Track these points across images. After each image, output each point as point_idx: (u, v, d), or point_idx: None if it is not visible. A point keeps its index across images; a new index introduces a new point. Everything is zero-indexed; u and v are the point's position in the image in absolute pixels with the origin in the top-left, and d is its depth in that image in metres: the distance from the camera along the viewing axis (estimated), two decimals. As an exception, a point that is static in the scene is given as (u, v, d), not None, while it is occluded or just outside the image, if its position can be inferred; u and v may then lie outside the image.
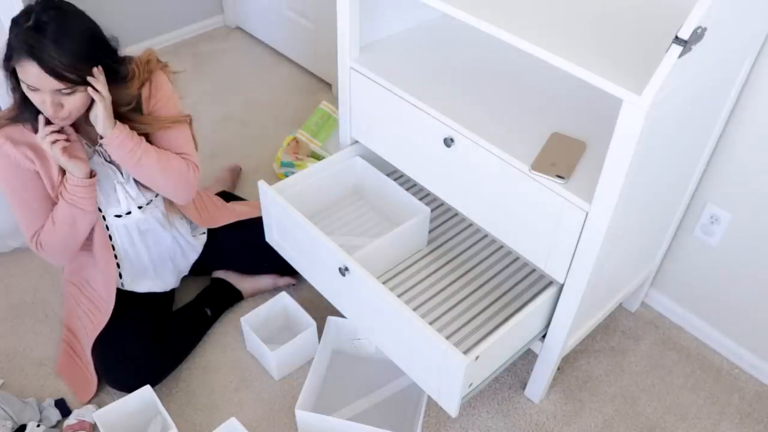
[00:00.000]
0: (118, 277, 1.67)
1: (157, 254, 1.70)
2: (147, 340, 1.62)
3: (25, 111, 1.37)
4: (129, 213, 1.58)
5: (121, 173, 1.54)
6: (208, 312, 1.79)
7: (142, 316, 1.62)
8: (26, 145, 1.41)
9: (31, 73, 1.24)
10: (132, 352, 1.60)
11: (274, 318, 1.79)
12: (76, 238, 1.50)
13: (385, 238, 1.59)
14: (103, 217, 1.57)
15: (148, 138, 1.49)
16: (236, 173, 2.28)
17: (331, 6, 2.37)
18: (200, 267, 1.83)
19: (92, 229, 1.55)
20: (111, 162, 1.52)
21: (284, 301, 1.77)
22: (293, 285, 1.92)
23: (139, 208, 1.59)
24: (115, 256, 1.64)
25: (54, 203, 1.47)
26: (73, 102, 1.32)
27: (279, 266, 1.84)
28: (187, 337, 1.73)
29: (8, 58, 1.27)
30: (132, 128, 1.44)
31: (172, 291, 1.81)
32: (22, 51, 1.23)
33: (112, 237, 1.61)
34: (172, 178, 1.51)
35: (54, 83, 1.26)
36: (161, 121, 1.49)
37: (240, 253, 1.84)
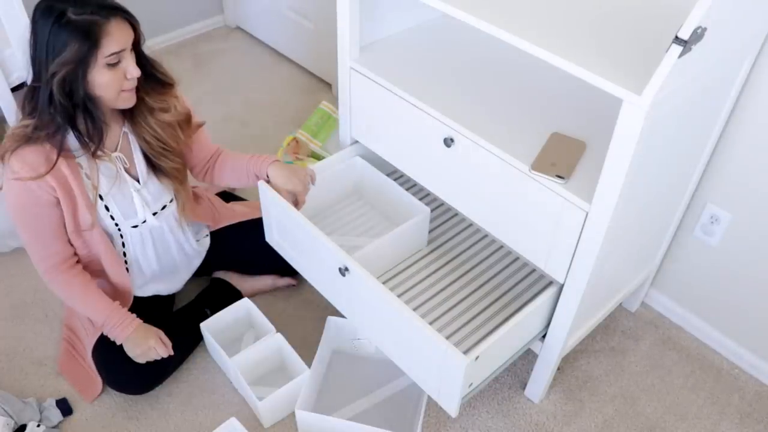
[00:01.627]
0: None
1: (166, 261, 1.69)
2: None
3: (58, 124, 1.31)
4: (144, 221, 1.56)
5: (138, 180, 1.52)
6: (208, 312, 1.78)
7: (144, 317, 1.61)
8: (47, 172, 1.33)
9: (119, 35, 1.25)
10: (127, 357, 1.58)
11: (267, 359, 1.69)
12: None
13: (385, 238, 1.59)
14: (119, 230, 1.53)
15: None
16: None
17: (331, 6, 2.36)
18: (200, 267, 1.83)
19: (93, 245, 1.52)
20: (126, 170, 1.49)
21: (279, 343, 1.66)
22: (293, 285, 1.92)
23: (154, 214, 1.56)
24: (126, 267, 1.61)
25: (65, 229, 1.45)
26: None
27: (279, 267, 1.84)
28: (187, 338, 1.73)
29: (93, 40, 1.22)
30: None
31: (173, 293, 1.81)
32: (105, 14, 1.23)
33: (126, 247, 1.58)
34: None
35: (131, 35, 1.29)
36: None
37: (240, 253, 1.84)
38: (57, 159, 1.33)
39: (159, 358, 1.54)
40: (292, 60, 2.88)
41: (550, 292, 1.44)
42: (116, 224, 1.52)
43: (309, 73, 2.83)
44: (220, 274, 1.87)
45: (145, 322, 1.61)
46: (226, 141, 2.46)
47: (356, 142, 1.79)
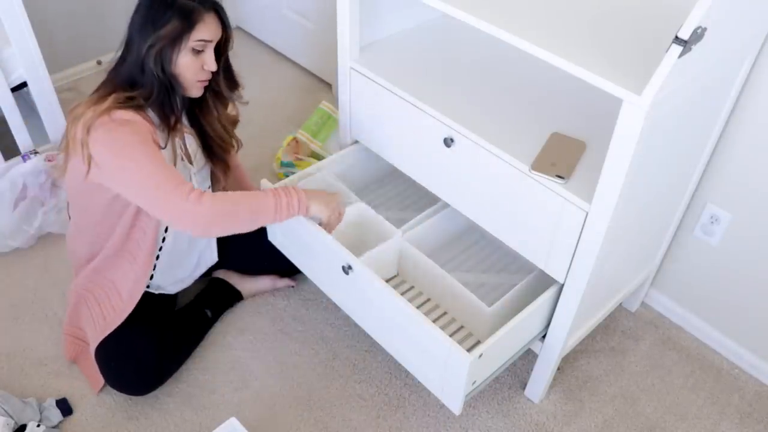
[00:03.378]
0: (149, 279, 1.64)
1: (194, 249, 1.71)
2: (151, 343, 1.61)
3: (152, 93, 1.39)
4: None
5: (192, 162, 1.56)
6: (209, 313, 1.78)
7: (148, 317, 1.61)
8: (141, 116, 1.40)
9: (211, 27, 1.38)
10: (136, 354, 1.59)
11: None
12: (240, 226, 1.45)
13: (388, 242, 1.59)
14: None
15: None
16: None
17: (331, 6, 2.36)
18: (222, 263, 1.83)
19: (141, 231, 1.52)
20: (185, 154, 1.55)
21: None
22: (292, 286, 1.92)
23: None
24: (157, 257, 1.61)
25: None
26: None
27: (279, 268, 1.84)
28: (188, 340, 1.73)
29: (190, 22, 1.34)
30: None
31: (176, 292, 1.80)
32: (206, 6, 1.37)
33: (167, 232, 1.59)
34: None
35: (220, 33, 1.42)
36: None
37: (240, 253, 1.84)
38: (152, 125, 1.41)
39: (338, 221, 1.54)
40: (292, 60, 2.88)
41: (550, 292, 1.44)
42: None
43: (309, 73, 2.82)
44: (220, 274, 1.87)
45: (146, 321, 1.61)
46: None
47: (356, 142, 1.79)
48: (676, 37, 0.95)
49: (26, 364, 1.73)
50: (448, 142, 1.44)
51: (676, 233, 1.73)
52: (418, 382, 1.65)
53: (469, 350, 1.29)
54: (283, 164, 2.22)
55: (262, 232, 1.77)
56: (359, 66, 1.58)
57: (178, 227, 1.42)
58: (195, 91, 1.46)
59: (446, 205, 1.65)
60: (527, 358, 1.76)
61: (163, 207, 1.37)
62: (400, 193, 1.91)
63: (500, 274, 1.70)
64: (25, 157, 2.03)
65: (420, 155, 1.56)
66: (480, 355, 1.29)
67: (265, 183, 1.64)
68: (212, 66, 1.42)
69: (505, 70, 1.57)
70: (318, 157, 2.19)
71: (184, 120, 1.56)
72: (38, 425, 1.54)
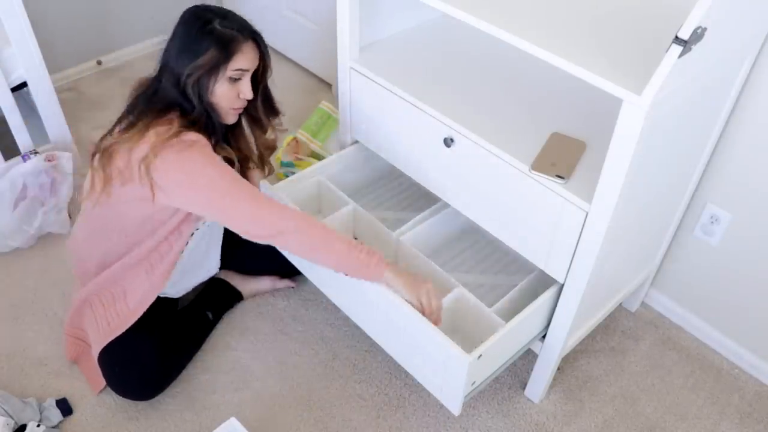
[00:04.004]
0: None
1: (205, 260, 1.71)
2: (154, 349, 1.60)
3: (204, 118, 1.40)
4: None
5: None
6: (210, 315, 1.77)
7: (151, 321, 1.60)
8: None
9: (249, 56, 1.39)
10: (140, 360, 1.58)
11: None
12: (301, 256, 1.46)
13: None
14: (202, 222, 1.57)
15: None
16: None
17: (331, 6, 2.36)
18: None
19: (169, 245, 1.52)
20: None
21: None
22: (292, 287, 1.92)
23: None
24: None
25: None
26: None
27: (279, 268, 1.84)
28: (189, 344, 1.72)
29: (228, 52, 1.34)
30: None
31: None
32: (245, 35, 1.38)
33: (188, 244, 1.57)
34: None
35: (257, 61, 1.43)
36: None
37: (241, 254, 1.83)
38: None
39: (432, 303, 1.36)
40: (292, 60, 2.88)
41: (550, 292, 1.44)
42: (204, 221, 1.57)
43: (309, 73, 2.82)
44: (221, 274, 1.87)
45: (149, 325, 1.59)
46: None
47: (356, 142, 1.79)
48: (676, 37, 0.95)
49: (26, 364, 1.73)
50: (448, 142, 1.44)
51: (676, 233, 1.73)
52: (418, 382, 1.65)
53: (468, 351, 1.29)
54: (283, 164, 2.22)
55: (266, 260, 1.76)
56: (359, 66, 1.58)
57: (252, 238, 1.40)
58: (230, 118, 1.48)
59: (446, 206, 1.65)
60: (527, 358, 1.76)
61: (251, 222, 1.38)
62: (399, 193, 1.91)
63: (498, 275, 1.70)
64: (25, 157, 2.03)
65: (420, 155, 1.56)
66: (479, 356, 1.29)
67: (263, 183, 1.64)
68: (248, 95, 1.43)
69: (505, 70, 1.57)
70: (318, 157, 2.19)
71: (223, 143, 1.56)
72: (38, 425, 1.54)
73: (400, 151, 1.62)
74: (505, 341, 1.39)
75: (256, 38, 1.41)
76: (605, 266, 1.37)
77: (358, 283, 1.47)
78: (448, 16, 1.28)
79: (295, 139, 2.23)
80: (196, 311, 1.78)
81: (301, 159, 2.20)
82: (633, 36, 1.20)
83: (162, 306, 1.69)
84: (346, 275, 1.40)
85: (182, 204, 1.41)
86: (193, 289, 1.81)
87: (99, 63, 2.70)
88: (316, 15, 2.58)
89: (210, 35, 1.34)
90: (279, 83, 2.76)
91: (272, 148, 1.70)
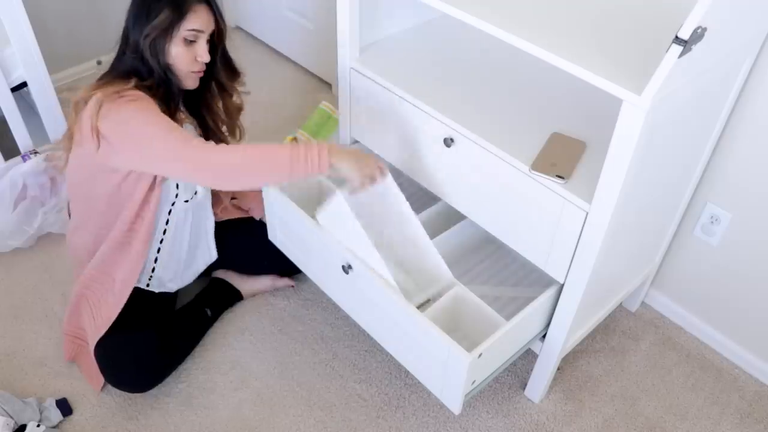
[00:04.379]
0: (148, 278, 1.65)
1: (194, 243, 1.71)
2: (151, 340, 1.61)
3: (162, 83, 1.44)
4: (195, 194, 1.60)
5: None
6: (208, 312, 1.78)
7: (148, 315, 1.61)
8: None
9: (202, 17, 1.41)
10: (135, 352, 1.59)
11: None
12: (255, 177, 1.41)
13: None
14: (173, 201, 1.57)
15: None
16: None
17: (331, 6, 2.36)
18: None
19: (140, 220, 1.52)
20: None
21: None
22: (291, 287, 1.92)
23: (186, 201, 1.60)
24: (158, 250, 1.62)
25: None
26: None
27: (279, 267, 1.84)
28: (187, 338, 1.73)
29: (181, 12, 1.37)
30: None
31: (176, 291, 1.80)
32: None
33: (168, 224, 1.60)
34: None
35: (212, 25, 1.44)
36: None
37: (240, 252, 1.84)
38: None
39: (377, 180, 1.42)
40: (292, 60, 2.88)
41: (550, 292, 1.44)
42: (176, 194, 1.56)
43: (309, 73, 2.83)
44: (220, 274, 1.87)
45: (148, 321, 1.61)
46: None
47: (356, 142, 1.79)
48: (676, 37, 0.95)
49: (26, 364, 1.73)
50: (448, 142, 1.44)
51: (676, 233, 1.73)
52: (418, 382, 1.65)
53: (468, 350, 1.29)
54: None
55: (262, 231, 1.77)
56: (359, 66, 1.58)
57: (195, 179, 1.46)
58: (190, 82, 1.49)
59: (462, 217, 1.62)
60: (527, 358, 1.76)
61: (177, 160, 1.37)
62: (400, 193, 1.91)
63: (516, 287, 1.68)
64: (25, 157, 2.03)
65: (420, 155, 1.56)
66: (479, 355, 1.29)
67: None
68: (204, 57, 1.44)
69: (505, 70, 1.57)
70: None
71: (183, 109, 1.58)
72: (38, 425, 1.54)
73: (400, 151, 1.62)
74: (505, 340, 1.39)
75: (209, 3, 1.43)
76: (605, 266, 1.37)
77: (358, 283, 1.47)
78: (448, 16, 1.28)
79: (294, 139, 2.23)
80: (194, 308, 1.78)
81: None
82: (633, 36, 1.20)
83: (160, 302, 1.70)
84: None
85: (122, 157, 1.41)
86: (192, 287, 1.81)
87: (99, 63, 2.70)
88: (316, 15, 2.58)
89: None
90: (279, 83, 2.78)
91: (239, 109, 1.71)
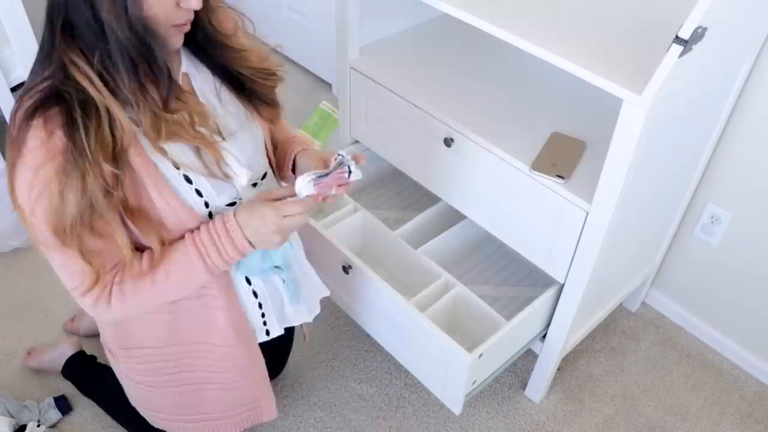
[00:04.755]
0: (262, 324, 1.21)
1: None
2: None
3: (149, 61, 0.91)
4: (255, 184, 1.12)
5: (223, 136, 1.05)
6: None
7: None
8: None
9: None
10: None
11: None
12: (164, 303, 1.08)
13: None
14: (209, 212, 1.04)
15: None
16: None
17: (331, 6, 2.36)
18: None
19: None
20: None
21: None
22: None
23: (254, 185, 1.11)
24: (255, 294, 1.17)
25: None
26: None
27: None
28: None
29: None
30: None
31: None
32: None
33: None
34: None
35: None
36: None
37: None
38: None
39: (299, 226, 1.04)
40: (292, 60, 2.88)
41: (550, 292, 1.44)
42: (206, 203, 1.03)
43: (309, 73, 2.83)
44: None
45: None
46: (226, 141, 2.46)
47: (356, 141, 1.79)
48: (677, 36, 0.95)
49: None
50: (448, 142, 1.44)
51: (676, 233, 1.73)
52: (418, 382, 1.65)
53: (468, 350, 1.29)
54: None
55: None
56: (359, 66, 1.58)
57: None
58: (174, 40, 0.95)
59: (463, 217, 1.62)
60: (527, 358, 1.76)
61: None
62: (400, 193, 1.91)
63: (517, 287, 1.68)
64: (25, 157, 2.03)
65: (420, 155, 1.56)
66: (480, 355, 1.29)
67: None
68: (194, 3, 0.91)
69: (505, 70, 1.57)
70: (318, 157, 2.19)
71: (194, 76, 1.06)
72: (38, 425, 1.54)
73: (400, 151, 1.62)
74: (505, 340, 1.39)
75: None
76: (605, 266, 1.37)
77: (358, 283, 1.47)
78: (448, 16, 1.28)
79: (295, 139, 2.23)
80: None
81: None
82: (633, 36, 1.20)
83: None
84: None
85: None
86: None
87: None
88: (316, 15, 2.58)
89: None
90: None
91: (265, 59, 1.20)
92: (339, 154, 1.07)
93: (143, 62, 0.90)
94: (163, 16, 0.90)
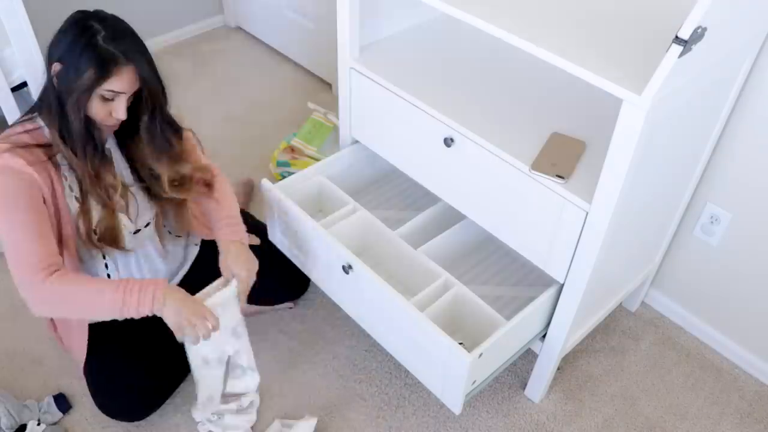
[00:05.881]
0: None
1: (151, 275, 1.58)
2: (140, 365, 1.52)
3: (83, 138, 1.30)
4: (137, 231, 1.47)
5: (130, 217, 1.43)
6: None
7: (134, 338, 1.50)
8: (37, 163, 1.29)
9: (125, 79, 1.27)
10: (124, 380, 1.51)
11: None
12: (75, 316, 1.43)
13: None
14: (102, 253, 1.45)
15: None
16: (249, 187, 2.19)
17: (331, 6, 2.37)
18: (195, 282, 1.57)
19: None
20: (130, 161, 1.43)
21: None
22: (290, 308, 1.89)
23: (136, 232, 1.47)
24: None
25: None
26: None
27: (280, 300, 1.82)
28: (182, 361, 1.54)
29: (104, 73, 1.24)
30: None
31: None
32: (120, 58, 1.25)
33: (109, 269, 1.49)
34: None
35: (137, 85, 1.30)
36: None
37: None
38: (49, 158, 1.32)
39: (203, 335, 1.33)
40: (292, 60, 2.88)
41: (550, 292, 1.44)
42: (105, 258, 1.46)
43: (309, 73, 2.83)
44: None
45: (136, 345, 1.52)
46: (226, 141, 2.46)
47: (356, 142, 1.79)
48: (676, 36, 0.95)
49: (26, 363, 1.73)
50: (448, 142, 1.44)
51: (676, 233, 1.73)
52: (418, 382, 1.66)
53: (468, 350, 1.29)
54: (278, 164, 2.22)
55: (268, 267, 1.69)
56: (359, 66, 1.58)
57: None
58: (106, 131, 1.39)
59: (462, 217, 1.62)
60: (527, 358, 1.76)
61: (12, 272, 1.32)
62: (400, 193, 1.91)
63: (516, 287, 1.68)
64: (25, 157, 2.02)
65: (420, 155, 1.56)
66: (480, 355, 1.29)
67: (265, 182, 1.64)
68: (121, 115, 1.30)
69: (506, 70, 1.57)
70: (315, 159, 2.19)
71: (114, 151, 1.44)
72: (38, 424, 1.54)
73: (400, 151, 1.62)
74: (505, 340, 1.39)
75: (139, 65, 1.28)
76: (605, 266, 1.37)
77: (358, 283, 1.47)
78: (448, 16, 1.28)
79: (290, 146, 2.23)
80: None
81: (296, 158, 2.20)
82: (633, 36, 1.20)
83: (153, 323, 1.53)
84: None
85: None
86: None
87: (99, 63, 2.70)
88: (316, 15, 2.58)
89: (92, 51, 1.24)
90: (279, 83, 2.78)
91: (201, 169, 1.51)
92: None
93: (85, 138, 1.31)
94: (100, 119, 1.31)
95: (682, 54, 0.96)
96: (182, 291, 1.33)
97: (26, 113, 1.37)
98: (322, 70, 2.75)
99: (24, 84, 2.04)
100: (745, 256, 1.64)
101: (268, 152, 2.38)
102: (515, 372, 1.75)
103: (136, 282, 1.30)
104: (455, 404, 1.37)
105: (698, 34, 0.96)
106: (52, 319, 1.65)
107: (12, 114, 2.02)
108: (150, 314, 1.31)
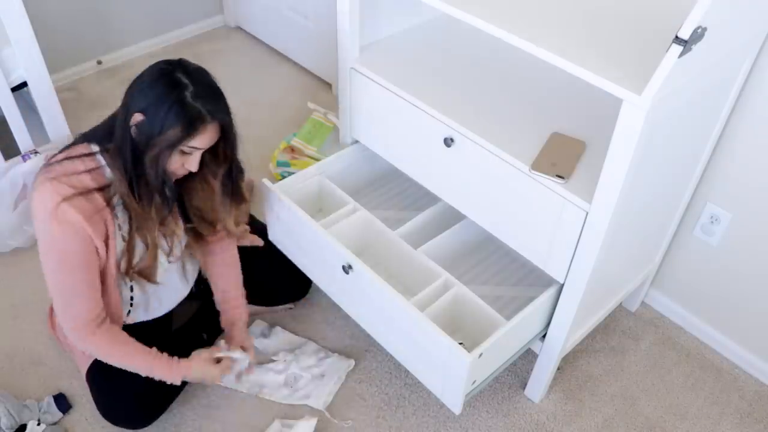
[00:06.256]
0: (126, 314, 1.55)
1: (169, 294, 1.60)
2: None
3: (157, 190, 1.33)
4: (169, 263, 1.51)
5: (170, 255, 1.48)
6: (205, 336, 1.71)
7: (141, 338, 1.48)
8: (95, 213, 1.29)
9: (209, 135, 1.29)
10: (128, 387, 1.50)
11: None
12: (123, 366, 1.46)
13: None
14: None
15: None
16: (249, 188, 2.09)
17: (331, 6, 2.37)
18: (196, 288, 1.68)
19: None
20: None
21: None
22: (290, 309, 1.89)
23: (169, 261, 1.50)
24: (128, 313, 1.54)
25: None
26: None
27: (277, 303, 1.82)
28: None
29: (191, 129, 1.24)
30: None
31: (170, 312, 1.64)
32: (207, 117, 1.25)
33: (134, 291, 1.50)
34: None
35: (216, 138, 1.33)
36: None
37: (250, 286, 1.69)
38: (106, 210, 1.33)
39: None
40: (292, 60, 2.88)
41: (550, 292, 1.44)
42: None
43: (309, 73, 2.83)
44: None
45: (147, 344, 1.49)
46: (226, 141, 2.46)
47: (356, 141, 1.79)
48: (676, 36, 0.95)
49: (26, 363, 1.73)
50: (448, 142, 1.44)
51: (676, 233, 1.73)
52: (418, 382, 1.66)
53: (468, 350, 1.29)
54: (278, 164, 2.22)
55: (268, 267, 1.72)
56: (359, 66, 1.58)
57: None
58: (174, 179, 1.39)
59: (462, 217, 1.62)
60: (527, 358, 1.76)
61: (59, 319, 1.40)
62: (400, 193, 1.91)
63: (516, 287, 1.68)
64: (25, 157, 2.03)
65: (420, 155, 1.56)
66: (480, 355, 1.29)
67: (265, 182, 1.64)
68: (194, 168, 1.32)
69: (506, 70, 1.57)
70: (315, 159, 2.19)
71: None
72: (38, 424, 1.54)
73: (400, 151, 1.62)
74: (505, 340, 1.39)
75: (223, 120, 1.31)
76: (605, 266, 1.37)
77: (358, 283, 1.47)
78: (448, 16, 1.28)
79: (290, 146, 2.23)
80: (190, 333, 1.70)
81: (296, 158, 2.20)
82: (633, 36, 1.20)
83: (155, 327, 1.60)
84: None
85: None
86: (188, 310, 1.72)
87: (99, 63, 2.70)
88: (316, 15, 2.58)
89: (180, 108, 1.22)
90: (279, 83, 2.78)
91: (245, 212, 1.62)
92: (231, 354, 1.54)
93: (158, 189, 1.34)
94: (172, 170, 1.32)
95: (682, 54, 0.96)
96: (207, 364, 1.50)
97: (81, 141, 1.35)
98: (322, 70, 2.75)
99: (24, 84, 2.04)
100: (745, 256, 1.64)
101: (268, 152, 2.38)
102: (515, 372, 1.75)
103: (167, 364, 1.45)
104: (455, 404, 1.37)
105: (698, 34, 0.96)
106: (52, 319, 1.67)
107: (12, 114, 2.02)
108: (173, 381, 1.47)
